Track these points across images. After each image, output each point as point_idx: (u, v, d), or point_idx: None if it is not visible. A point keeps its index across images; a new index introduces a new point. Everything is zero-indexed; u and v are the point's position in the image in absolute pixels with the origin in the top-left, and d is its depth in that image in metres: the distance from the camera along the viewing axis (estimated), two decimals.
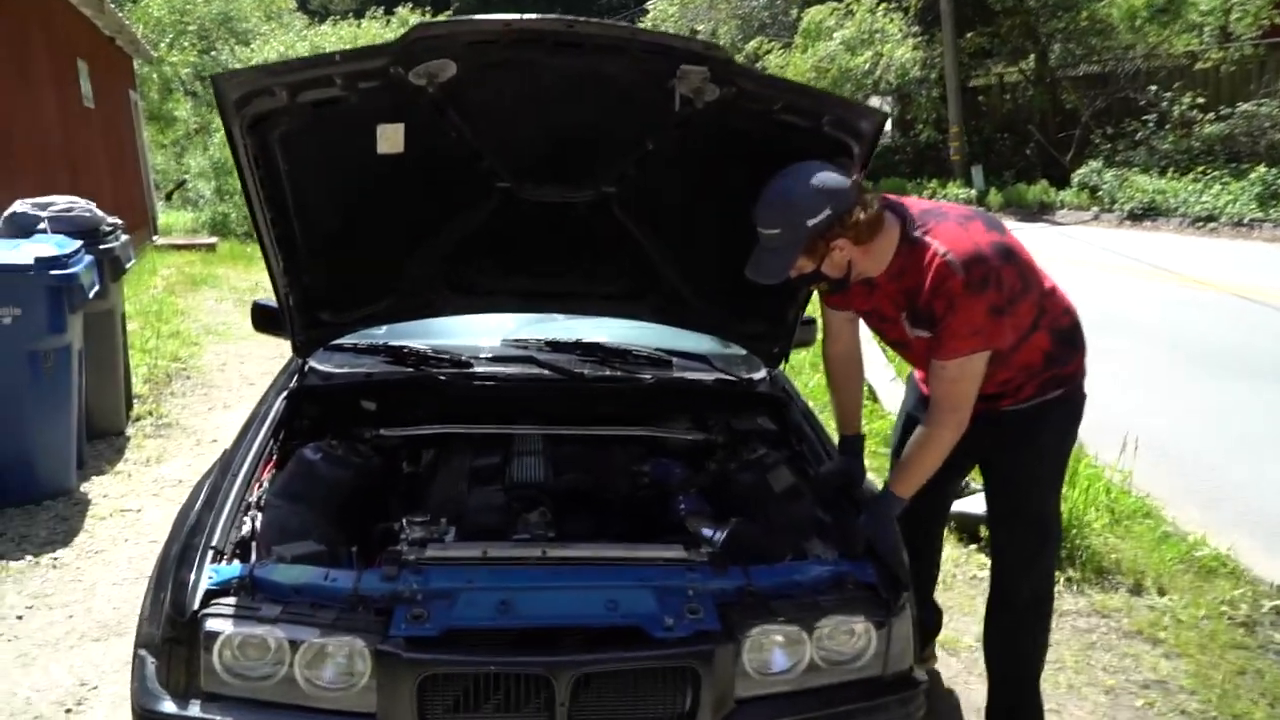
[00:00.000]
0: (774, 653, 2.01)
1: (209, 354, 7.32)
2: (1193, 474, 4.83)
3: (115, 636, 3.13)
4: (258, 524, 2.21)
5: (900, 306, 2.34)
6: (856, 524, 2.25)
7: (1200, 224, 14.95)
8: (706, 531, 2.35)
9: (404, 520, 2.14)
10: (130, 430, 5.31)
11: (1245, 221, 14.50)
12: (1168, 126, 17.52)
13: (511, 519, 2.28)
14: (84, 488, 4.43)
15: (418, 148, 2.32)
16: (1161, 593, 3.62)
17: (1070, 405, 2.50)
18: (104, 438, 5.07)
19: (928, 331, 2.27)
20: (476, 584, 1.96)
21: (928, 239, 2.20)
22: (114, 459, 4.85)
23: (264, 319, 3.26)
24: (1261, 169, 14.94)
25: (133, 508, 4.24)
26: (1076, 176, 17.86)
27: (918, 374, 2.83)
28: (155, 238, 15.08)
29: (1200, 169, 16.02)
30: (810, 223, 2.08)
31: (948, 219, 2.23)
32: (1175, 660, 3.17)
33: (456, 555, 2.04)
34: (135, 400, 5.70)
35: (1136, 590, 3.63)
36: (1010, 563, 2.58)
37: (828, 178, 2.10)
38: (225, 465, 2.40)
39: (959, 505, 4.25)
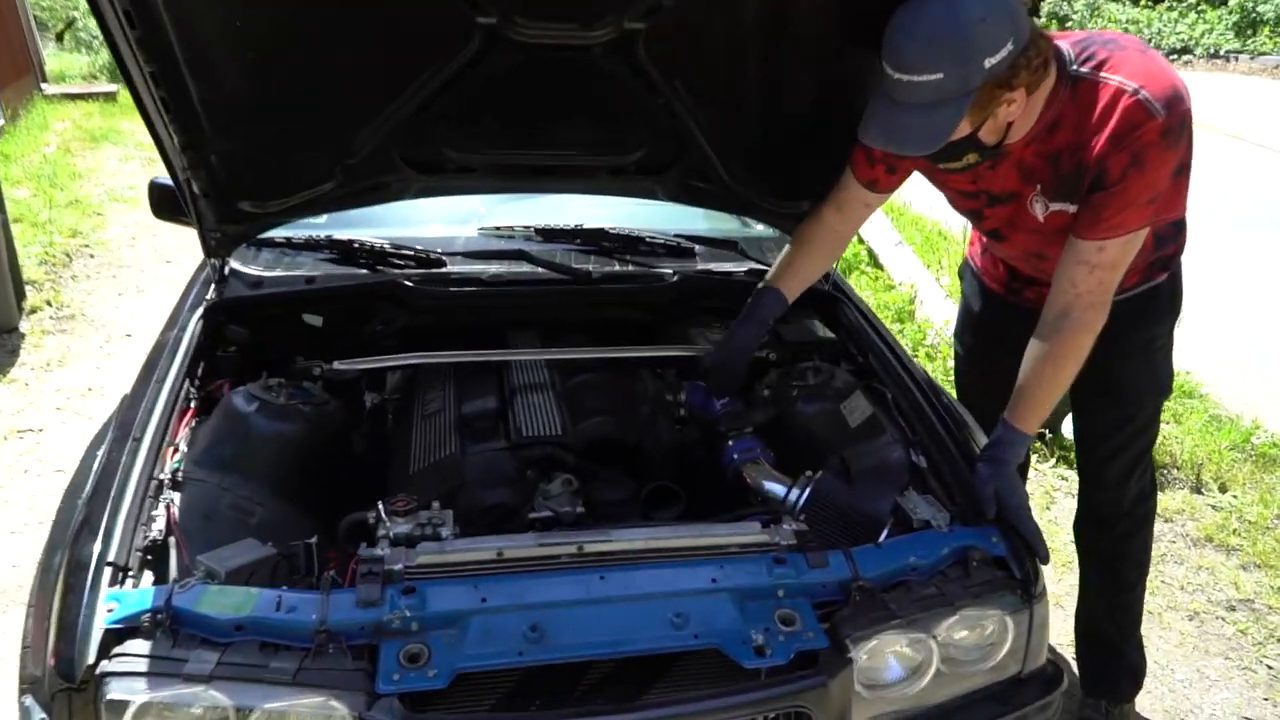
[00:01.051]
0: (889, 661, 1.54)
1: (115, 226, 6.37)
2: (1223, 339, 4.45)
3: (16, 606, 2.54)
4: (175, 512, 1.60)
5: (1034, 177, 1.77)
6: (976, 475, 1.73)
7: (1175, 56, 14.32)
8: (775, 489, 1.82)
9: (380, 506, 1.55)
10: (25, 325, 4.53)
11: (1221, 54, 13.91)
12: None
13: (525, 491, 1.70)
14: None
15: None
16: (1223, 489, 3.27)
17: (1174, 289, 2.06)
18: None
19: (1073, 204, 1.72)
20: (493, 602, 1.41)
21: (1103, 75, 1.62)
22: (6, 364, 4.11)
23: (167, 203, 2.50)
24: None
25: (32, 427, 3.56)
26: (1046, 5, 16.94)
27: (978, 261, 2.27)
28: (44, 86, 13.36)
29: None
30: (989, 62, 1.49)
31: (1123, 47, 1.64)
32: (1255, 573, 2.84)
33: (461, 559, 1.47)
34: (28, 288, 4.86)
35: (1196, 488, 3.26)
36: (1118, 471, 2.14)
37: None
38: (124, 424, 1.76)
39: None
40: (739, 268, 2.55)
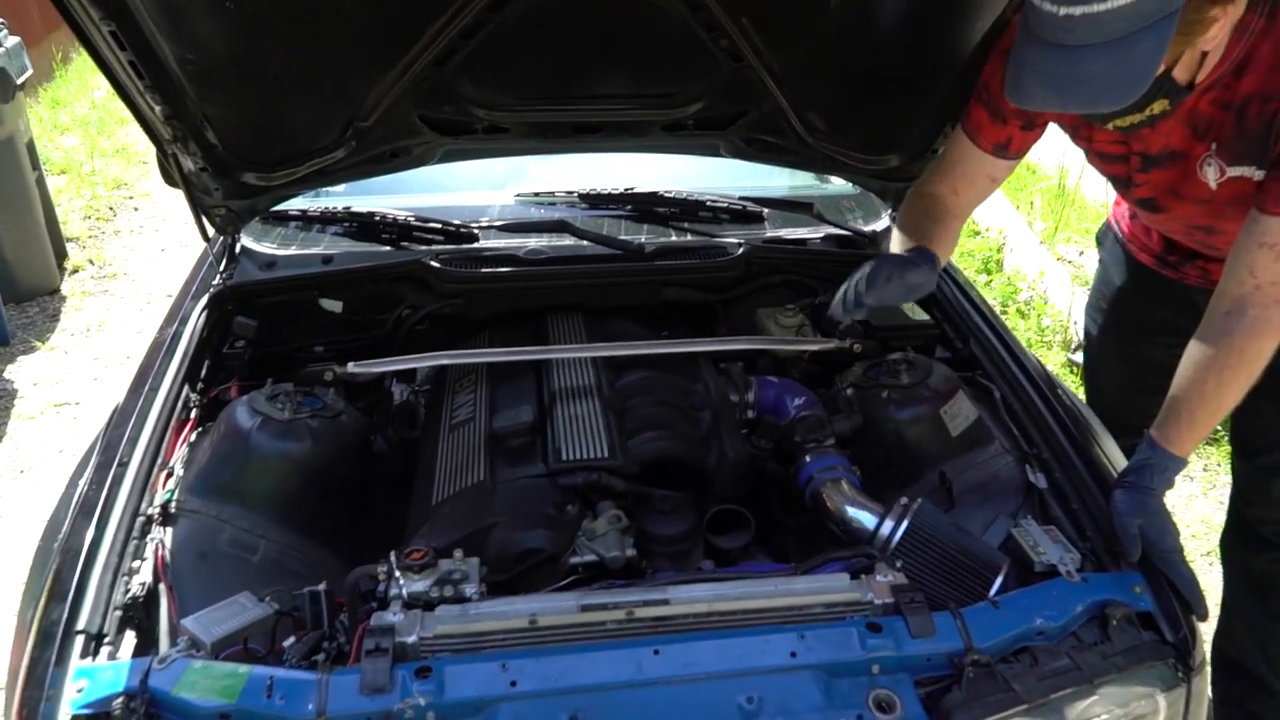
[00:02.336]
0: None
1: (160, 175, 6.22)
2: None
3: None
4: (165, 554, 1.38)
5: (1209, 133, 1.40)
6: (1114, 508, 1.41)
7: None
8: (862, 518, 1.53)
9: (392, 559, 1.30)
10: (66, 287, 4.41)
11: None
12: None
13: (566, 529, 1.43)
14: (8, 372, 3.60)
15: None
16: None
17: None
18: (34, 300, 4.18)
19: (1260, 169, 1.36)
20: (525, 685, 1.16)
21: None
22: (46, 329, 3.99)
23: None
24: None
25: (69, 400, 3.44)
26: None
27: (1124, 226, 1.89)
28: None
29: None
30: None
31: None
32: None
33: (487, 629, 1.22)
34: (70, 245, 4.74)
35: None
36: None
37: None
38: (109, 446, 1.54)
39: None
40: (815, 234, 2.21)
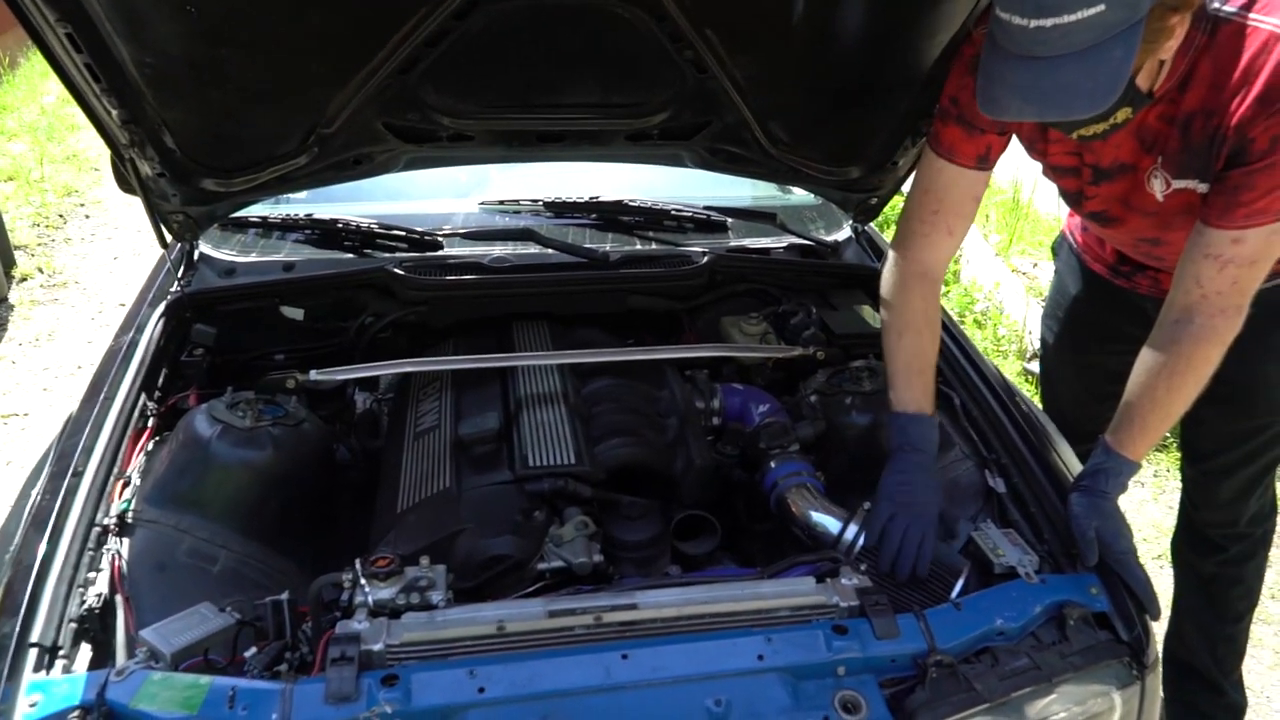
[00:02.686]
0: None
1: (112, 182, 6.05)
2: None
3: None
4: (122, 565, 1.35)
5: (1155, 146, 1.44)
6: (1070, 512, 1.44)
7: None
8: (826, 522, 1.55)
9: (357, 566, 1.28)
10: (14, 295, 4.29)
11: None
12: None
13: (532, 536, 1.43)
14: None
15: None
16: None
17: None
18: None
19: (1203, 182, 1.40)
20: (493, 691, 1.16)
21: (1254, 16, 1.28)
22: None
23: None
24: None
25: (18, 411, 3.35)
26: None
27: (1078, 237, 1.94)
28: None
29: None
30: None
31: None
32: None
33: (454, 635, 1.21)
34: (19, 253, 4.62)
35: None
36: (1235, 488, 1.85)
37: None
38: (64, 455, 1.50)
39: None
40: (778, 243, 2.24)
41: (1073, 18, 1.15)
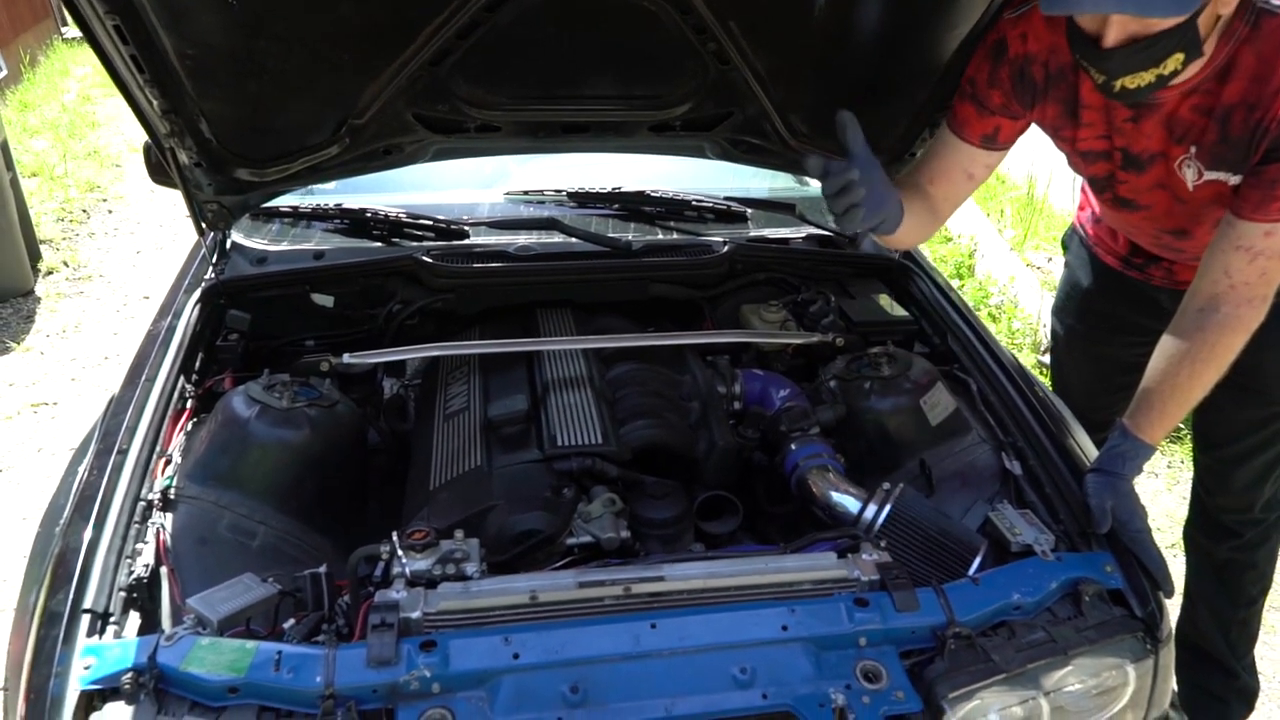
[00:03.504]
0: None
1: (134, 178, 6.16)
2: None
3: None
4: (166, 538, 1.41)
5: (1188, 136, 1.46)
6: (1085, 490, 1.48)
7: None
8: (847, 503, 1.58)
9: (394, 539, 1.33)
10: (40, 288, 4.37)
11: None
12: None
13: (562, 512, 1.47)
14: None
15: None
16: None
17: None
18: (7, 302, 4.14)
19: (1236, 174, 1.42)
20: (527, 658, 1.20)
21: None
22: (21, 330, 3.96)
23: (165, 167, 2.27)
24: None
25: (47, 400, 3.41)
26: None
27: (1089, 229, 1.96)
28: (65, 30, 13.12)
29: None
30: None
31: None
32: None
33: (489, 605, 1.26)
34: (44, 247, 4.70)
35: None
36: (1251, 475, 1.87)
37: None
38: (109, 434, 1.56)
39: None
40: (797, 233, 2.28)
41: None
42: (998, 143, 1.62)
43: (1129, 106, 1.47)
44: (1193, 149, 1.45)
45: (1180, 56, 1.31)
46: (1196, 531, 2.01)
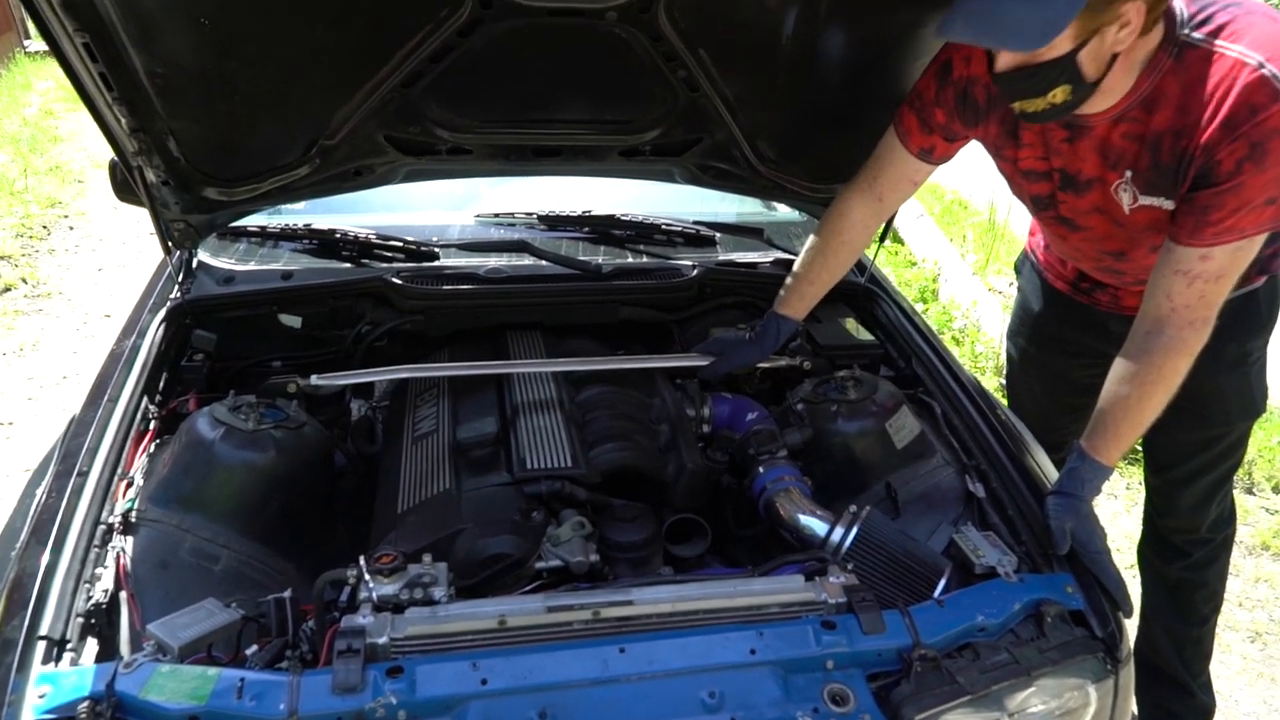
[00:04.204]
0: None
1: (96, 194, 6.08)
2: None
3: None
4: (126, 562, 1.38)
5: (1122, 162, 1.50)
6: (1045, 512, 1.51)
7: None
8: (813, 525, 1.60)
9: (361, 563, 1.32)
10: None
11: None
12: None
13: (531, 536, 1.47)
14: None
15: None
16: (1277, 489, 3.04)
17: (1274, 295, 1.79)
18: None
19: (1169, 200, 1.46)
20: (495, 683, 1.19)
21: (1220, 43, 1.34)
22: None
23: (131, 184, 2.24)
24: None
25: (3, 420, 3.34)
26: None
27: (1040, 255, 2.01)
28: (27, 43, 12.93)
29: None
30: None
31: (1251, 11, 1.35)
32: None
33: (457, 629, 1.25)
34: (2, 264, 4.61)
35: (1249, 489, 3.04)
36: (1196, 495, 1.92)
37: None
38: (69, 455, 1.53)
39: None
40: (764, 258, 2.30)
41: None
42: (932, 158, 1.71)
43: (1062, 127, 1.52)
44: (1128, 174, 1.50)
45: (1067, 88, 1.38)
46: (1149, 551, 2.06)
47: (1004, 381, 3.71)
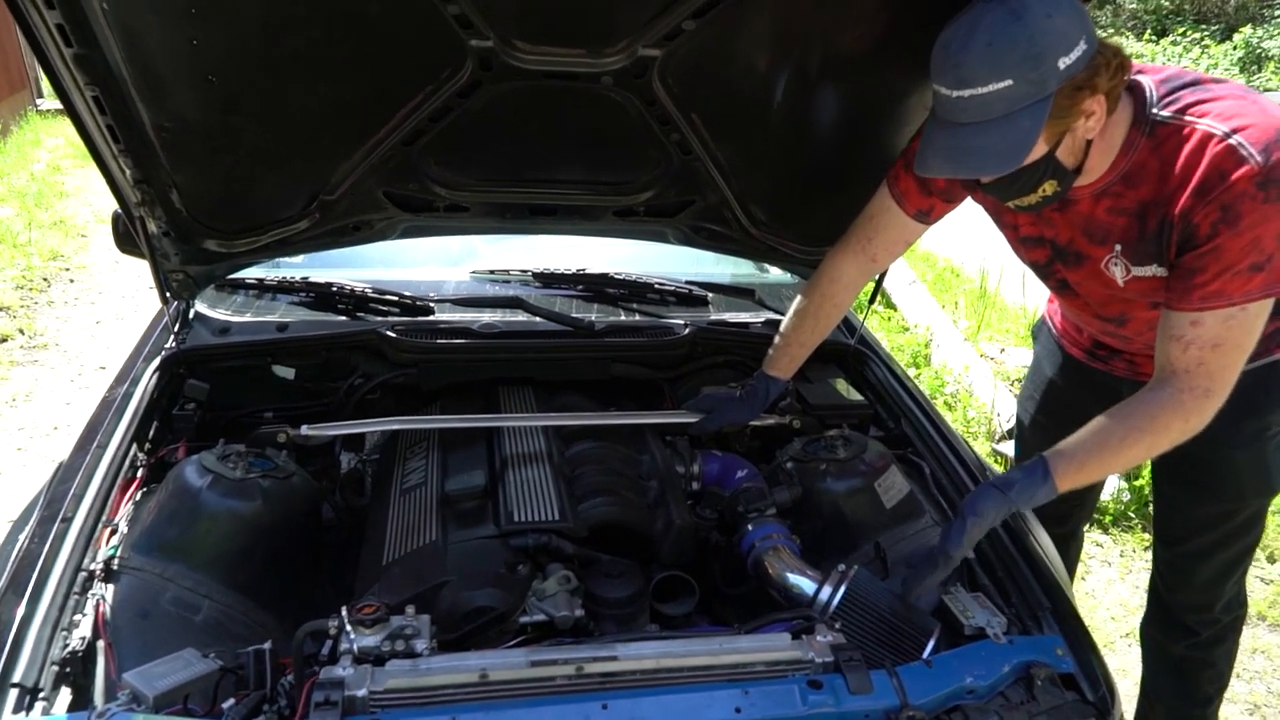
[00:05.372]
0: None
1: (99, 248, 6.14)
2: None
3: None
4: (105, 610, 1.36)
5: (1107, 236, 1.54)
6: (974, 517, 1.45)
7: None
8: (802, 584, 1.58)
9: (343, 614, 1.30)
10: None
11: None
12: None
13: (516, 589, 1.46)
14: None
15: None
16: (1271, 559, 3.03)
17: None
18: None
19: (1162, 268, 1.49)
20: None
21: (1189, 119, 1.40)
22: None
23: (132, 236, 2.27)
24: (1246, 30, 14.13)
25: None
26: None
27: (1057, 322, 2.02)
28: (40, 101, 13.21)
29: (1180, 30, 15.18)
30: (1064, 62, 1.30)
31: (1218, 90, 1.41)
32: None
33: (437, 683, 1.23)
34: (0, 314, 4.63)
35: None
36: (1209, 573, 1.88)
37: None
38: (54, 500, 1.52)
39: (1012, 450, 3.59)
40: (756, 318, 2.33)
41: (985, 90, 1.30)
42: (929, 219, 1.74)
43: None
44: (1118, 247, 1.53)
45: (1053, 183, 1.46)
46: (1154, 628, 2.01)
47: (997, 446, 3.72)
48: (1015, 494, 1.46)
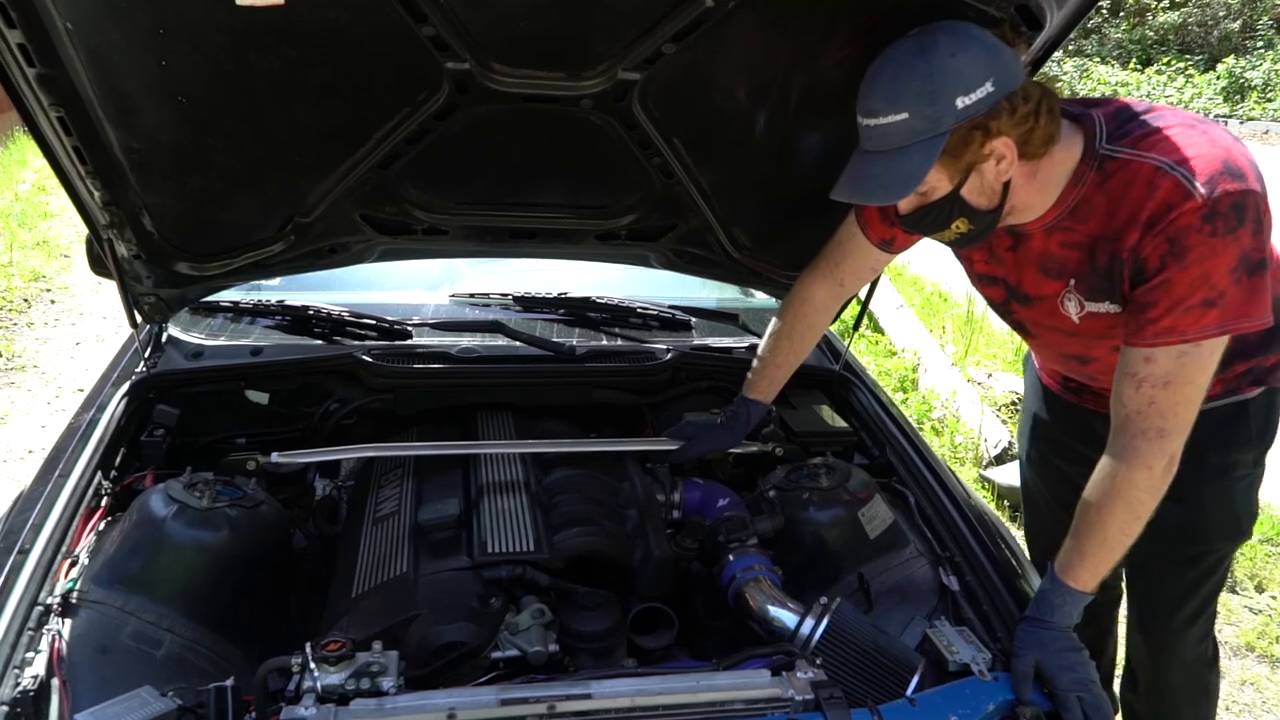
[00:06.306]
0: None
1: (80, 269, 6.08)
2: None
3: None
4: (62, 646, 1.31)
5: (1062, 270, 1.52)
6: (1015, 645, 1.41)
7: None
8: (783, 617, 1.54)
9: (307, 650, 1.26)
10: None
11: (1210, 118, 14.04)
12: (1121, 15, 16.81)
13: (488, 623, 1.41)
14: None
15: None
16: (1260, 588, 3.00)
17: (1270, 409, 1.72)
18: None
19: (1115, 305, 1.47)
20: None
21: (1138, 152, 1.37)
22: None
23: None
24: (1230, 60, 14.36)
25: None
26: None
27: (1038, 362, 2.00)
28: None
29: (1165, 60, 15.40)
30: (962, 102, 1.30)
31: (1168, 122, 1.39)
32: None
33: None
34: None
35: (1231, 587, 3.00)
36: (1176, 623, 1.84)
37: (984, 38, 1.34)
38: (11, 532, 1.48)
39: (999, 476, 3.58)
40: (739, 343, 2.30)
41: (885, 120, 1.34)
42: (893, 248, 1.74)
43: (1007, 234, 1.55)
44: (1071, 281, 1.51)
45: (964, 221, 1.45)
46: (1125, 683, 1.98)
47: (983, 473, 3.70)
48: (1055, 618, 1.42)
